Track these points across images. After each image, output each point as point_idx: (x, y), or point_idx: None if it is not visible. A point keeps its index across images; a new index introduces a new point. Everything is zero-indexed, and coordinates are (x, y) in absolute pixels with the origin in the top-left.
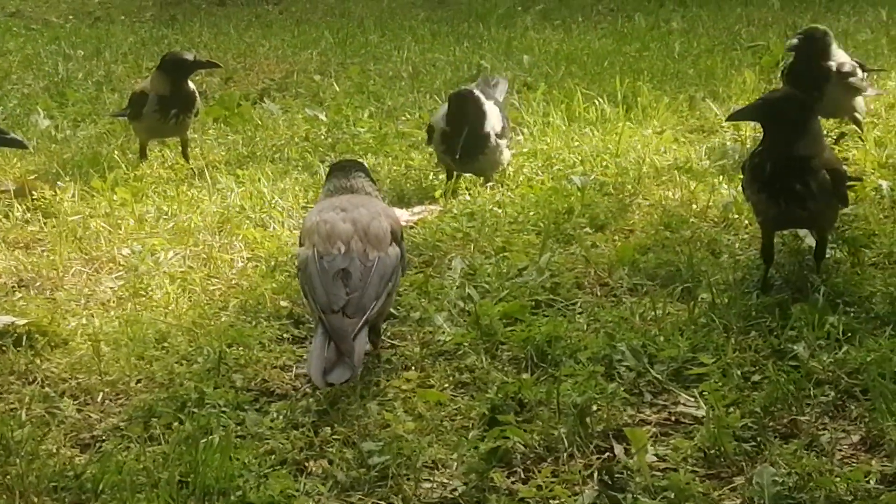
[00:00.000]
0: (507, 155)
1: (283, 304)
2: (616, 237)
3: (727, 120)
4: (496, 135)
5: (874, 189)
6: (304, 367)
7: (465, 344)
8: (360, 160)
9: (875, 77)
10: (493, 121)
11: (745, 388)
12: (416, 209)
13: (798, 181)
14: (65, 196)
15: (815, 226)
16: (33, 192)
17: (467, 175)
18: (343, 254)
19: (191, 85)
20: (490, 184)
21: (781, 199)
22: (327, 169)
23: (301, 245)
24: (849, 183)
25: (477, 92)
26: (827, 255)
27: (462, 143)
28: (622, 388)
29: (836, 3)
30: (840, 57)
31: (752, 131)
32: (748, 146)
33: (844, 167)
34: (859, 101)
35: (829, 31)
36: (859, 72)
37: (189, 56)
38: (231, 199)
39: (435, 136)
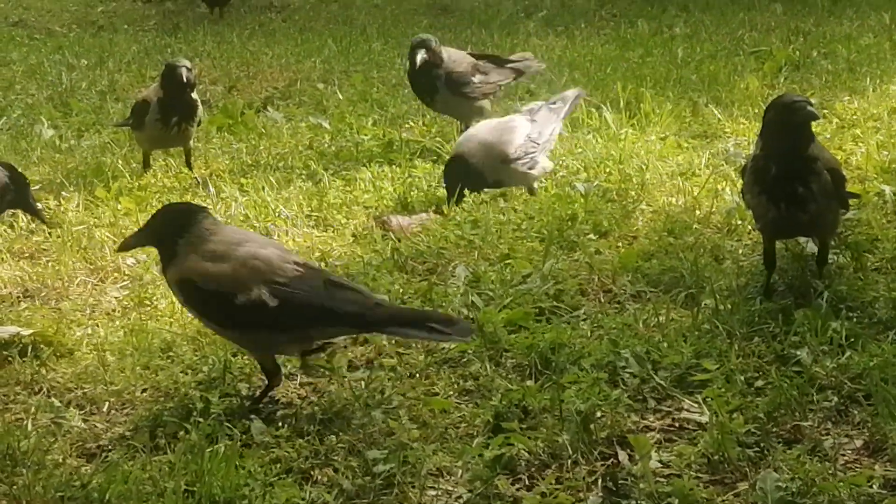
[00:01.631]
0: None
1: None
2: (619, 244)
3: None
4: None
5: (877, 194)
6: None
7: (470, 351)
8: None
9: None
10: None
11: (749, 393)
12: (419, 216)
13: (801, 183)
14: (69, 206)
15: (816, 231)
16: (38, 203)
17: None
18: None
19: (193, 94)
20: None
21: (782, 203)
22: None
23: None
24: (848, 195)
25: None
26: (829, 261)
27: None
28: (626, 395)
29: (838, 7)
30: None
31: (754, 136)
32: (748, 150)
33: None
34: None
35: None
36: None
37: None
38: (235, 209)
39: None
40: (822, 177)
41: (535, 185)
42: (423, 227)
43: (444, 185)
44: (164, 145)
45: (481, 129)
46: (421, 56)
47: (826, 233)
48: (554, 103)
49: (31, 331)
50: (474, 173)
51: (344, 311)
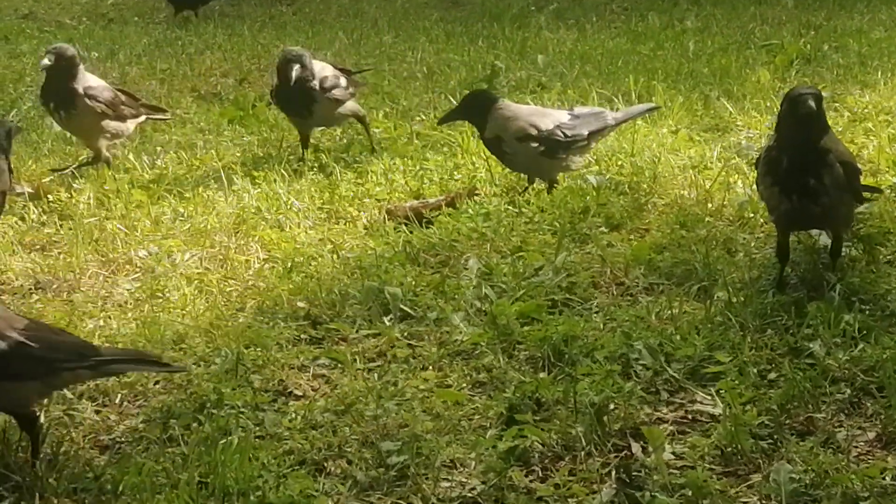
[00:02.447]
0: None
1: (299, 304)
2: (632, 236)
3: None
4: (325, 89)
5: (889, 187)
6: None
7: (483, 343)
8: None
9: None
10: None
11: (762, 385)
12: (419, 202)
13: (812, 175)
14: (81, 198)
15: (830, 224)
16: (49, 195)
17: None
18: None
19: (78, 82)
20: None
21: (794, 195)
22: None
23: None
24: (868, 193)
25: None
26: (842, 254)
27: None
28: (639, 387)
29: (849, 1)
30: None
31: (766, 129)
32: (763, 143)
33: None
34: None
35: None
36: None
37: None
38: (247, 201)
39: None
40: (833, 169)
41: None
42: (436, 221)
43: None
44: (67, 130)
45: (515, 107)
46: (296, 71)
47: (839, 226)
48: (603, 111)
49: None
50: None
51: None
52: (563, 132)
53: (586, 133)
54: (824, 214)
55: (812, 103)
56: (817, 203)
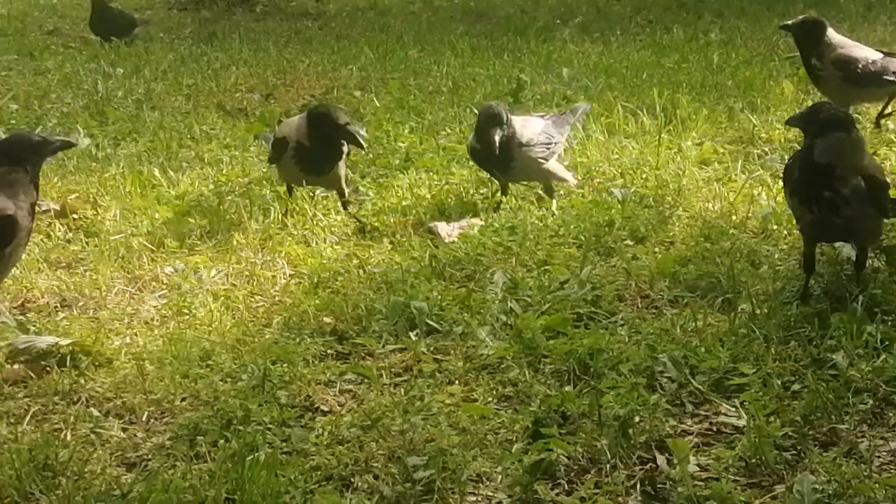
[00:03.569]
0: (554, 166)
1: (326, 320)
2: (656, 249)
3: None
4: (522, 144)
5: None
6: None
7: (508, 357)
8: None
9: None
10: (523, 132)
11: (785, 397)
12: (458, 223)
13: (827, 188)
14: (107, 215)
15: (855, 236)
16: (75, 212)
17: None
18: None
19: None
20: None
21: (814, 206)
22: None
23: None
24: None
25: (499, 107)
26: (866, 266)
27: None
28: (664, 400)
29: (872, 13)
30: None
31: (788, 141)
32: (786, 156)
33: (884, 177)
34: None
35: None
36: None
37: None
38: (273, 216)
39: (469, 154)
40: (848, 182)
41: (554, 186)
42: (460, 234)
43: (475, 142)
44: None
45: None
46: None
47: (863, 239)
48: (563, 114)
49: (69, 341)
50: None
51: None
52: (551, 137)
53: (563, 137)
54: (848, 227)
55: (795, 116)
56: (839, 215)
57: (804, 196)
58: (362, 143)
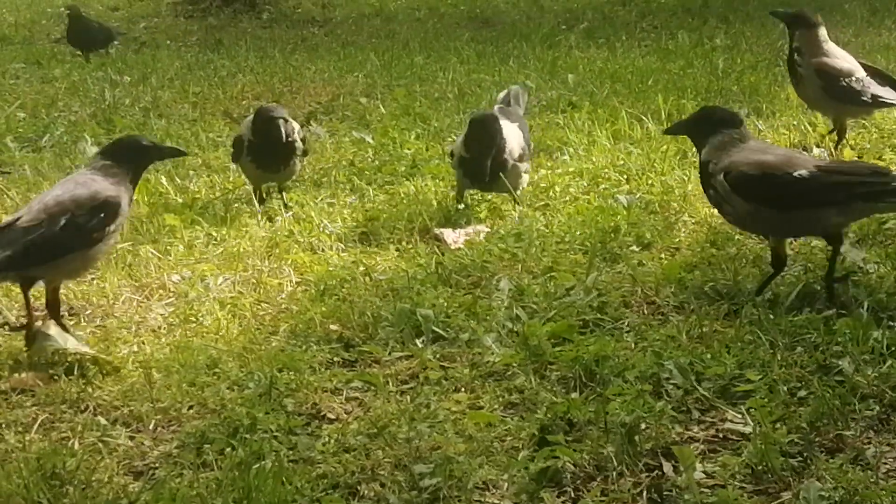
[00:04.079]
0: (525, 178)
1: (332, 327)
2: (662, 255)
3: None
4: (514, 160)
5: None
6: None
7: (514, 364)
8: None
9: None
10: (512, 145)
11: (792, 403)
12: (464, 230)
13: (709, 186)
14: None
15: (758, 233)
16: None
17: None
18: None
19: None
20: (519, 207)
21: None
22: None
23: None
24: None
25: (496, 116)
26: (870, 272)
27: (480, 167)
28: (670, 406)
29: (877, 18)
30: None
31: (794, 146)
32: None
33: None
34: None
35: None
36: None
37: None
38: (279, 224)
39: (454, 161)
40: (716, 179)
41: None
42: (466, 241)
43: (464, 151)
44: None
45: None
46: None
47: (766, 234)
48: (508, 106)
49: (91, 350)
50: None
51: None
52: (528, 144)
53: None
54: (739, 223)
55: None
56: (723, 212)
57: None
58: (283, 135)
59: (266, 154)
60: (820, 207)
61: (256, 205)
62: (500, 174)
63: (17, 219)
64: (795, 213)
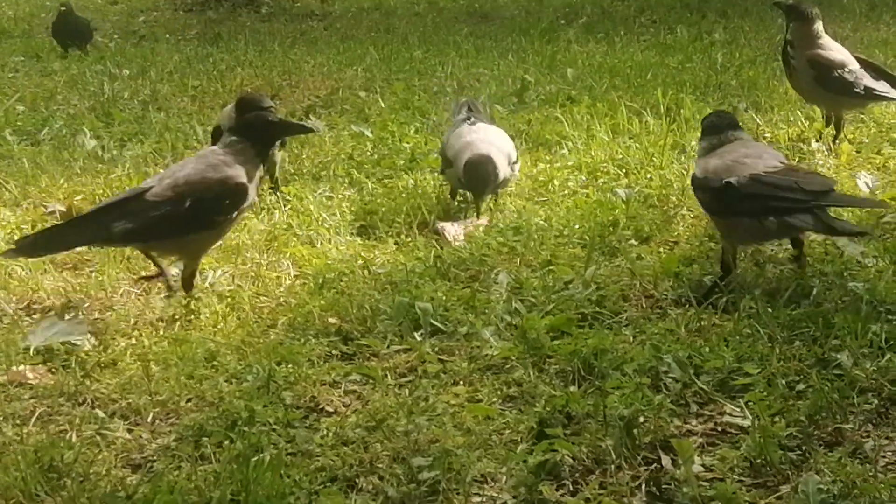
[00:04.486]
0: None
1: (331, 321)
2: (661, 249)
3: None
4: (507, 175)
5: None
6: None
7: (513, 358)
8: None
9: None
10: (506, 158)
11: (790, 397)
12: (463, 223)
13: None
14: None
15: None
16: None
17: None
18: None
19: None
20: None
21: None
22: None
23: None
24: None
25: (492, 154)
26: (869, 265)
27: (478, 200)
28: (668, 400)
29: (875, 13)
30: None
31: (792, 141)
32: (787, 154)
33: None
34: None
35: None
36: None
37: None
38: (278, 217)
39: (449, 175)
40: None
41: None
42: (466, 234)
43: (471, 185)
44: None
45: (489, 134)
46: (492, 179)
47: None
48: (475, 117)
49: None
50: (494, 176)
51: None
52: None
53: None
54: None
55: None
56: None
57: None
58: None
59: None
60: (743, 217)
61: None
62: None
63: (147, 189)
64: (734, 220)
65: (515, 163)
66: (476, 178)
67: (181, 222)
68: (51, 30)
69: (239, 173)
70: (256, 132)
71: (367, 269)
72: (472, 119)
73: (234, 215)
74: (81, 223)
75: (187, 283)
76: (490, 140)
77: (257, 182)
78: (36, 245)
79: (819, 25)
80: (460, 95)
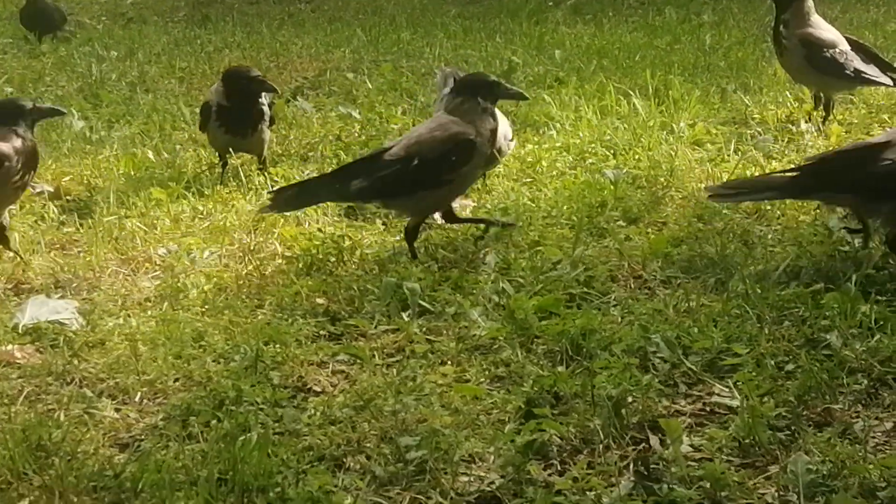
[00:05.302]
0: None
1: (319, 301)
2: (649, 230)
3: None
4: (505, 145)
5: None
6: None
7: (501, 338)
8: None
9: None
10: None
11: (779, 377)
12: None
13: None
14: (100, 197)
15: None
16: (69, 194)
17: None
18: None
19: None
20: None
21: None
22: None
23: None
24: None
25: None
26: (857, 245)
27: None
28: (657, 380)
29: None
30: None
31: (782, 122)
32: (779, 137)
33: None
34: None
35: None
36: None
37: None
38: (266, 197)
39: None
40: None
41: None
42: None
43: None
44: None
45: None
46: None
47: None
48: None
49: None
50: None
51: None
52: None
53: None
54: None
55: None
56: None
57: None
58: (276, 88)
59: (236, 119)
60: None
61: (221, 169)
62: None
63: (387, 149)
64: None
65: (511, 140)
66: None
67: (410, 180)
68: (19, 17)
69: (468, 130)
70: (480, 89)
71: (355, 249)
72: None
73: (466, 170)
74: (327, 180)
75: (411, 233)
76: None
77: (489, 136)
78: (288, 200)
79: (810, 3)
80: (444, 65)
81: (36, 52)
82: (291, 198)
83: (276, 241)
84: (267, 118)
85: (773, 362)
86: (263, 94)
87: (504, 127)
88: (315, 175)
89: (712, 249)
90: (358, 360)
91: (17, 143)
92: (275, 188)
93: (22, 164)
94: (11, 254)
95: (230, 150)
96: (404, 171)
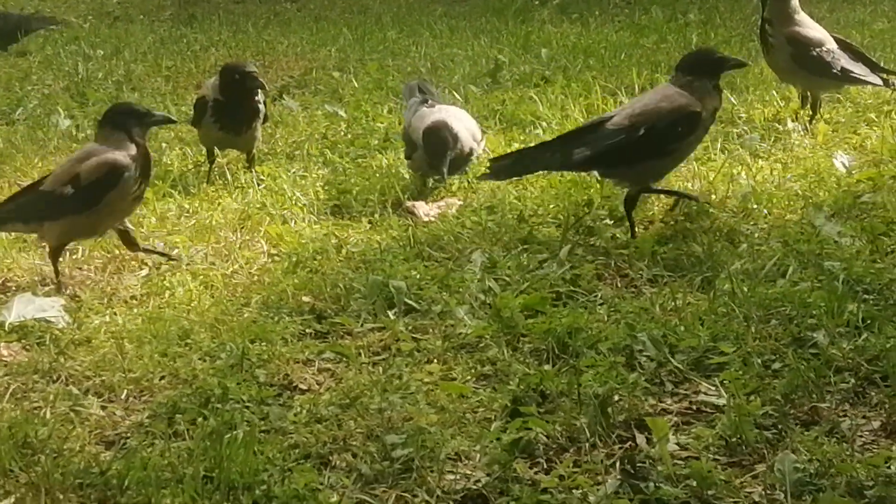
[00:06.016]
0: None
1: (304, 299)
2: (636, 228)
3: None
4: (473, 149)
5: (892, 177)
6: None
7: (487, 336)
8: None
9: None
10: (467, 136)
11: (766, 376)
12: (437, 203)
13: None
14: None
15: None
16: None
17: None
18: None
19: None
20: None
21: None
22: None
23: None
24: None
25: (449, 122)
26: (846, 245)
27: (439, 172)
28: (643, 378)
29: None
30: None
31: (768, 121)
32: (765, 135)
33: None
34: None
35: None
36: None
37: None
38: (252, 196)
39: (416, 159)
40: None
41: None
42: (440, 214)
43: (431, 151)
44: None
45: (451, 112)
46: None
47: None
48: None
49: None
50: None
51: None
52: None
53: None
54: None
55: None
56: None
57: None
58: (264, 84)
59: (231, 115)
60: None
61: (208, 167)
62: (467, 165)
63: (608, 119)
64: None
65: (480, 141)
66: (435, 143)
67: (634, 150)
68: None
69: (693, 102)
70: (706, 67)
71: (341, 247)
72: (430, 102)
73: (692, 139)
74: (548, 148)
75: (630, 202)
76: (453, 116)
77: (712, 112)
78: (506, 168)
79: (795, 2)
80: (408, 79)
81: (22, 51)
82: (509, 166)
83: (262, 239)
84: (261, 116)
85: (759, 361)
86: (259, 91)
87: (473, 128)
88: (531, 146)
89: (699, 248)
90: (344, 359)
91: (133, 150)
92: (493, 157)
93: (140, 173)
94: None
95: (221, 147)
96: (629, 140)
